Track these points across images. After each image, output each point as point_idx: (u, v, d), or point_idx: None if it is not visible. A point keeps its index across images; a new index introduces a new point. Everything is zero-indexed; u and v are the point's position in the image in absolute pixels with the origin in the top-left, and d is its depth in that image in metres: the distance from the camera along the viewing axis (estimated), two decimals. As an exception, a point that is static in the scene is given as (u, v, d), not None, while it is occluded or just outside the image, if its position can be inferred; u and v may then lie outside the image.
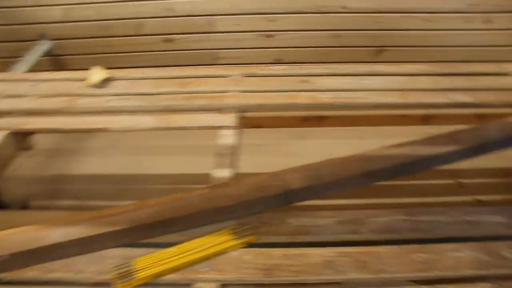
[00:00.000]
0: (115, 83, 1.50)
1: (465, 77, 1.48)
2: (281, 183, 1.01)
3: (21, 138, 1.39)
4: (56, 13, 2.02)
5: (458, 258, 0.92)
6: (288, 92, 1.42)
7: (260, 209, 1.01)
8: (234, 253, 0.94)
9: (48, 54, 2.01)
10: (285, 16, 1.99)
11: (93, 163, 1.86)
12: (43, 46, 2.02)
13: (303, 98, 1.39)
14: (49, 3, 1.99)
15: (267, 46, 2.07)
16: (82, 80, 1.51)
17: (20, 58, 1.92)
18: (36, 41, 2.05)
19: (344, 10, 1.96)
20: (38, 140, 1.50)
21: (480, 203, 1.55)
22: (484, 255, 0.93)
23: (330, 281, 0.89)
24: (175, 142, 1.85)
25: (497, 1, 1.94)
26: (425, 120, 2.05)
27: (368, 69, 1.52)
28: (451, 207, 1.03)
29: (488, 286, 0.88)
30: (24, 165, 1.77)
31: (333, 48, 2.02)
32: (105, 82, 1.49)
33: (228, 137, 1.24)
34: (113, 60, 2.09)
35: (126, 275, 0.88)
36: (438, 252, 0.93)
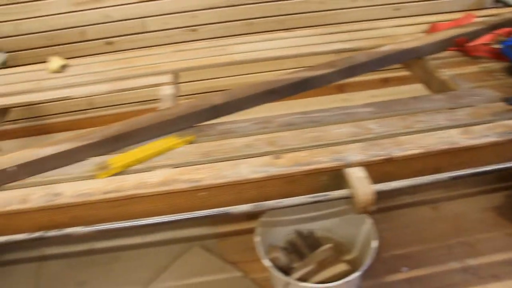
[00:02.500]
0: (72, 68, 1.85)
1: (347, 33, 1.92)
2: (208, 101, 1.39)
3: (1, 114, 1.71)
4: (6, 28, 2.34)
5: (339, 132, 1.32)
6: (210, 57, 1.80)
7: (195, 121, 1.38)
8: (180, 149, 1.30)
9: (3, 65, 2.30)
10: (205, 12, 2.40)
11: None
12: (-1, 58, 2.33)
13: (222, 59, 1.78)
14: (1, 20, 2.31)
15: (193, 39, 2.46)
16: (43, 70, 1.85)
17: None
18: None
19: (252, 1, 2.38)
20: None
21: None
22: (357, 128, 1.33)
23: (250, 155, 1.25)
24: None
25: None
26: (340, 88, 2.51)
27: (271, 36, 1.94)
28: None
29: (358, 145, 1.27)
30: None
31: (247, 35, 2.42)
32: (63, 68, 1.83)
33: (167, 90, 1.61)
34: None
35: (104, 167, 1.22)
36: (325, 131, 1.33)
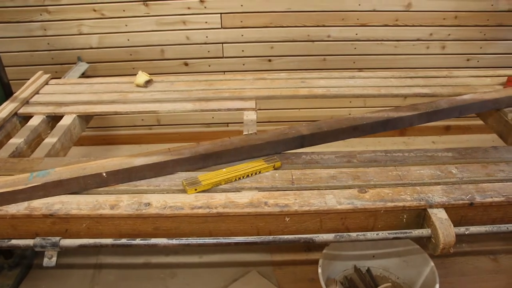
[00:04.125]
0: (156, 84, 1.93)
1: (424, 78, 1.96)
2: (296, 131, 1.44)
3: (85, 121, 1.79)
4: (93, 40, 2.46)
5: (421, 173, 1.34)
6: (291, 88, 1.86)
7: (281, 149, 1.42)
8: (267, 173, 1.34)
9: (83, 75, 2.40)
10: (281, 44, 2.47)
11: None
12: (81, 67, 2.43)
13: (303, 92, 1.83)
14: (88, 32, 2.43)
15: (268, 69, 2.54)
16: (129, 82, 1.93)
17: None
18: (73, 64, 2.47)
19: (329, 39, 2.45)
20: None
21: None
22: (438, 171, 1.35)
23: (335, 187, 1.28)
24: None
25: (449, 31, 2.46)
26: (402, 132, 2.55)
27: (350, 74, 1.99)
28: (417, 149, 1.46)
29: (441, 187, 1.29)
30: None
31: (320, 70, 2.48)
32: (148, 83, 1.91)
33: (250, 115, 1.66)
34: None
35: (194, 183, 1.27)
36: (408, 171, 1.35)
